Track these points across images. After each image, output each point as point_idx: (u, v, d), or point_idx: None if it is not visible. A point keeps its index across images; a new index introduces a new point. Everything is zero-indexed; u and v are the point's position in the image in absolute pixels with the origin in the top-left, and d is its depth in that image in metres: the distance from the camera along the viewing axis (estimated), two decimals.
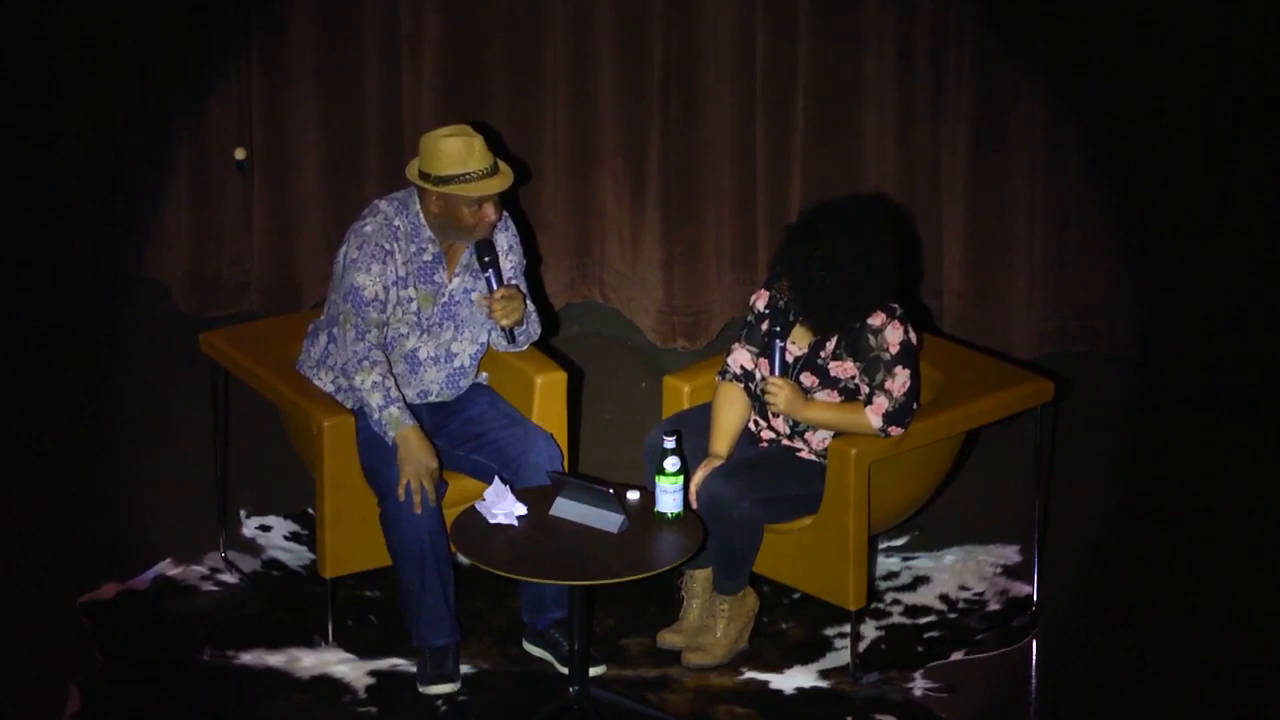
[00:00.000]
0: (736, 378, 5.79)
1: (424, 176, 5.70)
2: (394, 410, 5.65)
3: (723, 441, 5.75)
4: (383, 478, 5.64)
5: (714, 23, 7.69)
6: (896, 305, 5.62)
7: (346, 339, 5.71)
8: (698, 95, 7.77)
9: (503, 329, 5.78)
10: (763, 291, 5.79)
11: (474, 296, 5.81)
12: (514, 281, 5.86)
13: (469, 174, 5.67)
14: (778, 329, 5.63)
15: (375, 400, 5.65)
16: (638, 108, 7.84)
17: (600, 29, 7.81)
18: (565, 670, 5.64)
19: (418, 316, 5.77)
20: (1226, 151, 7.39)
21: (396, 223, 5.75)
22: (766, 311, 5.76)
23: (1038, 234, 7.64)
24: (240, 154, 8.06)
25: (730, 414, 5.78)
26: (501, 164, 5.76)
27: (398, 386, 5.71)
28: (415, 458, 5.61)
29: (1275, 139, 7.33)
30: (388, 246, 5.71)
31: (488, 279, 5.73)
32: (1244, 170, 7.39)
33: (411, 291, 5.76)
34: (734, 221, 7.85)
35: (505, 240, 5.89)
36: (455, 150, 5.67)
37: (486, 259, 5.73)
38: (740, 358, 5.79)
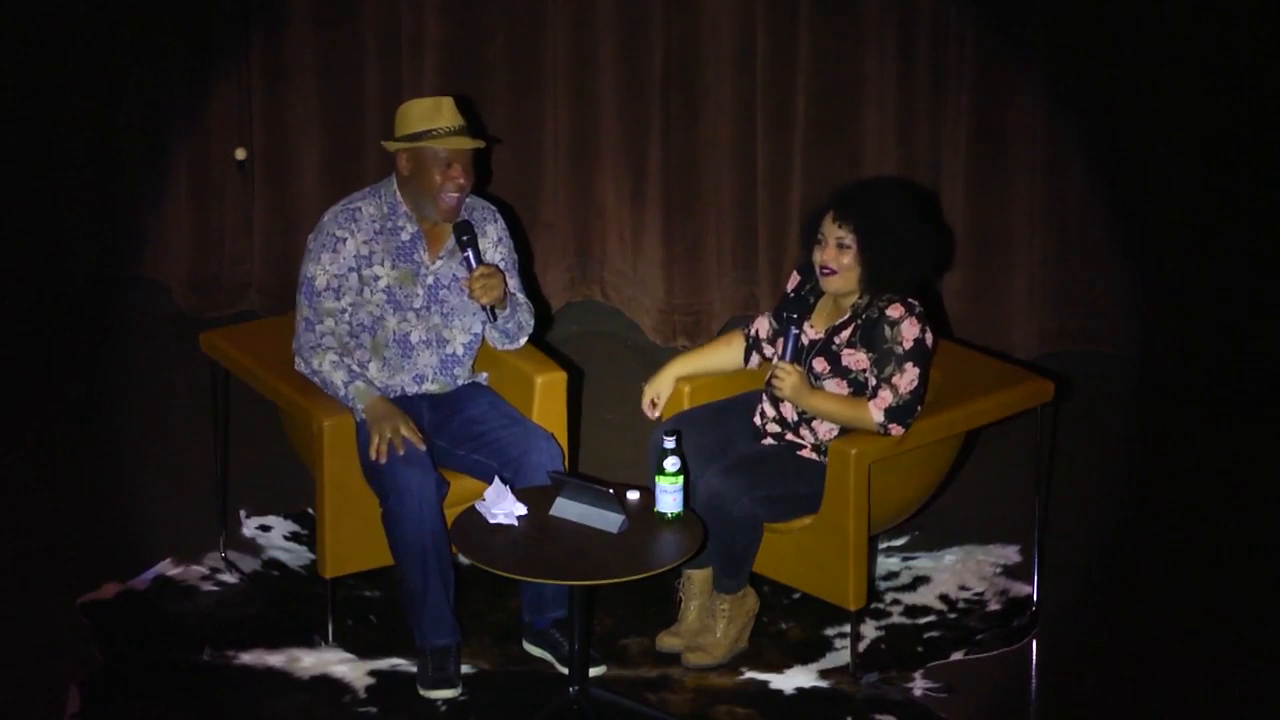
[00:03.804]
0: (748, 338, 5.84)
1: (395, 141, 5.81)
2: (360, 384, 5.70)
3: (689, 364, 5.87)
4: (384, 477, 5.64)
5: (714, 23, 7.70)
6: (916, 302, 5.61)
7: (298, 329, 5.79)
8: (698, 95, 7.77)
9: (483, 307, 5.80)
10: (795, 274, 5.80)
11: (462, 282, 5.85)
12: (503, 273, 5.88)
13: (437, 129, 5.76)
14: (794, 315, 5.63)
15: (339, 377, 5.71)
16: (638, 107, 7.85)
17: (600, 29, 7.81)
18: (565, 670, 5.65)
19: (389, 294, 5.80)
20: (1226, 151, 7.39)
21: (357, 204, 5.83)
22: (790, 294, 5.77)
23: (1038, 234, 7.64)
24: (240, 154, 8.07)
25: (719, 351, 5.88)
26: (478, 139, 5.84)
27: (359, 365, 5.78)
28: (388, 415, 5.64)
29: (1275, 139, 7.33)
30: (339, 234, 5.78)
31: (466, 258, 5.78)
32: (1244, 170, 7.39)
33: (379, 270, 5.79)
34: (734, 220, 7.86)
35: (495, 232, 5.94)
36: (424, 108, 5.79)
37: (465, 238, 5.78)
38: (761, 324, 5.86)
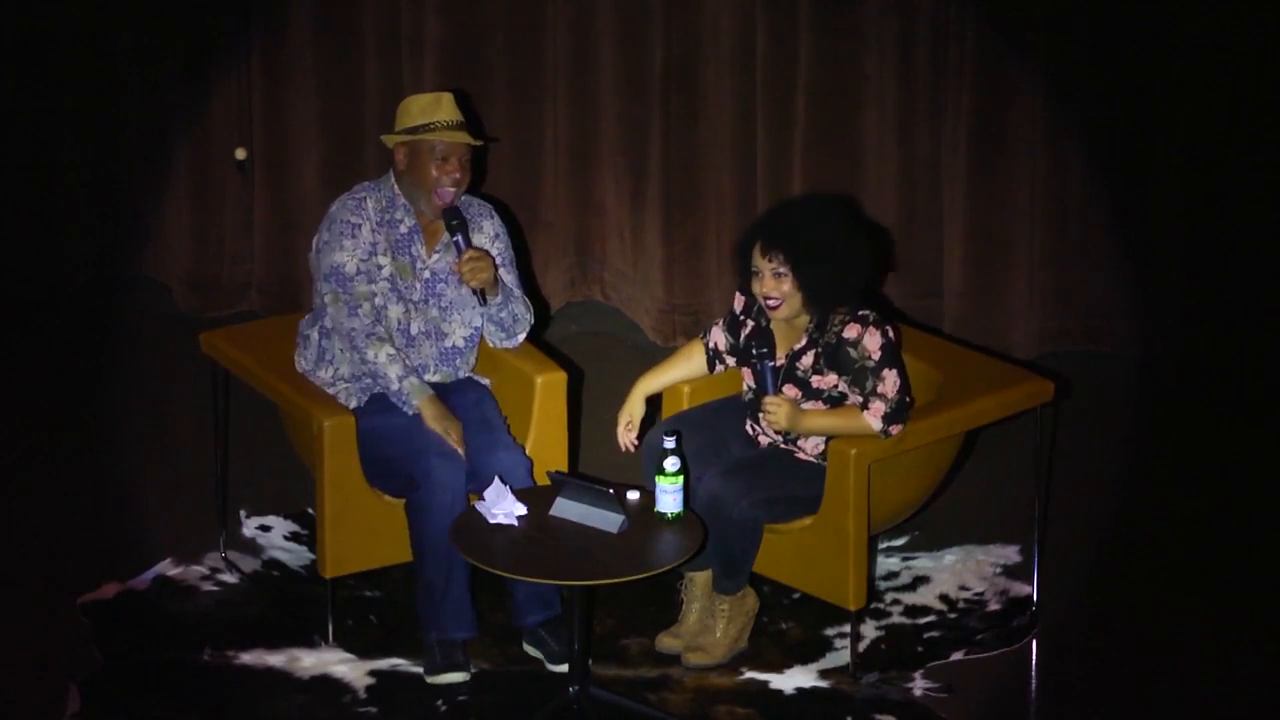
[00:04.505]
0: (708, 348, 5.86)
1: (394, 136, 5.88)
2: (414, 380, 5.74)
3: (656, 380, 5.88)
4: (417, 469, 5.63)
5: (714, 23, 7.70)
6: (869, 312, 5.60)
7: (340, 318, 5.78)
8: (698, 95, 7.77)
9: (473, 291, 5.82)
10: (739, 295, 5.80)
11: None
12: (500, 268, 5.93)
13: (434, 123, 5.80)
14: (764, 350, 5.63)
15: (395, 371, 5.73)
16: (638, 107, 7.85)
17: (600, 29, 7.81)
18: (552, 666, 5.70)
19: (392, 283, 5.83)
20: (1226, 151, 7.39)
21: (362, 195, 5.87)
22: (743, 317, 5.77)
23: (1038, 234, 7.64)
24: (240, 154, 8.07)
25: (683, 364, 5.92)
26: (476, 137, 5.88)
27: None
28: (445, 416, 5.71)
29: (1275, 139, 7.33)
30: (354, 220, 5.82)
31: (456, 243, 5.81)
32: (1244, 170, 7.39)
33: (383, 260, 5.82)
34: (734, 220, 7.85)
35: (491, 227, 5.98)
36: (424, 102, 5.85)
37: (454, 223, 5.82)
38: (718, 337, 5.85)
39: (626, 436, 5.80)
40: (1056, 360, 7.61)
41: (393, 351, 5.75)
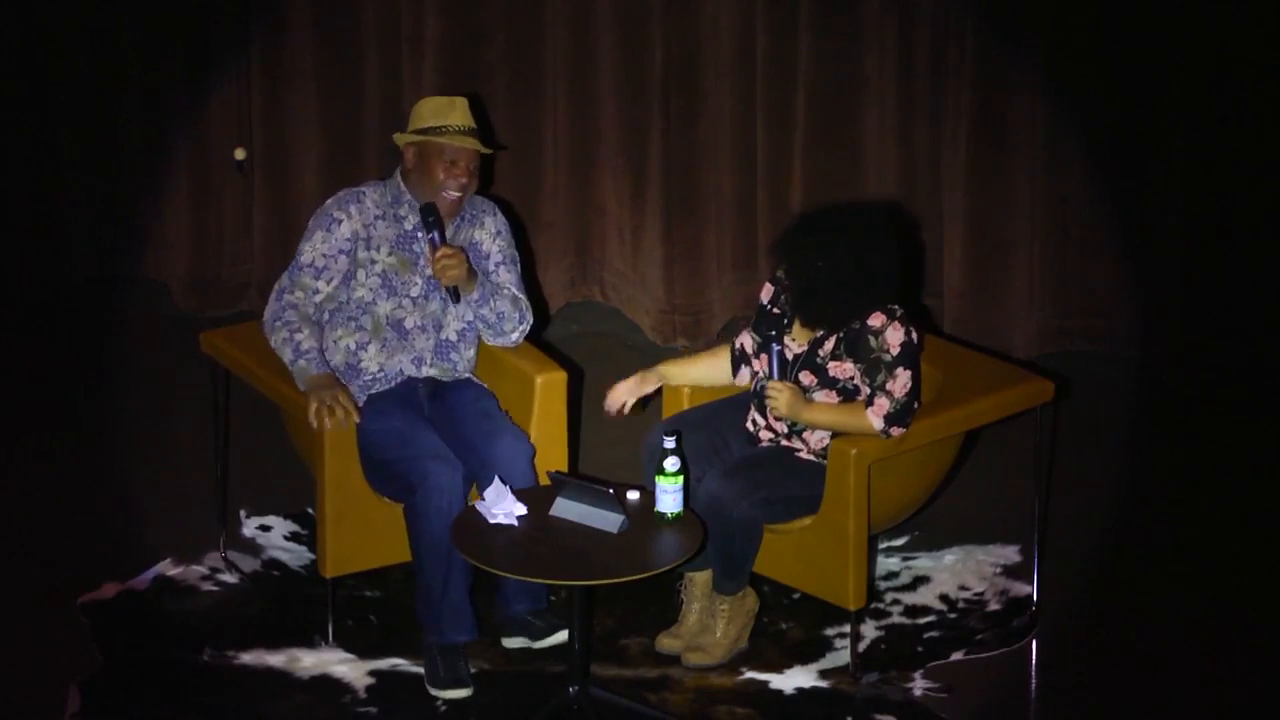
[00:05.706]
0: (734, 352, 5.86)
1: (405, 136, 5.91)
2: (301, 363, 5.74)
3: (679, 370, 5.90)
4: (414, 473, 5.64)
5: (714, 23, 7.70)
6: (897, 306, 5.61)
7: (269, 298, 5.85)
8: (698, 95, 7.77)
9: (446, 289, 5.84)
10: (768, 285, 5.80)
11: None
12: (500, 265, 5.96)
13: (446, 126, 5.83)
14: (773, 332, 5.64)
15: (285, 356, 5.77)
16: (638, 108, 7.85)
17: (600, 29, 7.82)
18: (539, 644, 5.74)
19: (384, 279, 5.83)
20: (1226, 151, 7.39)
21: (362, 190, 5.89)
22: (770, 307, 5.77)
23: (1038, 234, 7.64)
24: (240, 154, 8.07)
25: (707, 363, 5.92)
26: (486, 145, 5.90)
27: (316, 346, 5.76)
28: (327, 384, 5.69)
29: (1275, 139, 7.33)
30: (338, 215, 5.84)
31: (431, 239, 5.83)
32: (1244, 170, 7.39)
33: (376, 254, 5.82)
34: (734, 221, 7.86)
35: (493, 225, 6.00)
36: (437, 105, 5.88)
37: (430, 219, 5.83)
38: (745, 339, 5.86)
39: (617, 399, 5.80)
40: (1056, 360, 7.61)
41: (286, 336, 5.76)
